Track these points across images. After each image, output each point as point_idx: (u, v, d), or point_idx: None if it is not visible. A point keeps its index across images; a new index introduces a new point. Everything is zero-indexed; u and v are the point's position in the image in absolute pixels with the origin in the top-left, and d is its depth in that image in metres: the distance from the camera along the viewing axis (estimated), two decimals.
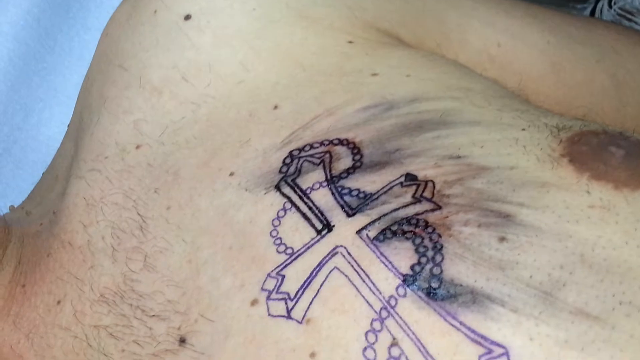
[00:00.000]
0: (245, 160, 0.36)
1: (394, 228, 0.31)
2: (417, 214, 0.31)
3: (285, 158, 0.36)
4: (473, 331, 0.27)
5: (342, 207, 0.32)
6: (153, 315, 0.34)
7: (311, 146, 0.35)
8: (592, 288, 0.28)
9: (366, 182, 0.33)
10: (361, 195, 0.33)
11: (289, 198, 0.34)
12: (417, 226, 0.30)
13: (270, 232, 0.33)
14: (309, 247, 0.32)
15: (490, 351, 0.27)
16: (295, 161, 0.35)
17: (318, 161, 0.35)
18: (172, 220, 0.36)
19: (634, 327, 0.27)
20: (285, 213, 0.33)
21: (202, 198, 0.36)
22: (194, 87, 0.40)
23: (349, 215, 0.32)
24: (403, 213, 0.31)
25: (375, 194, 0.32)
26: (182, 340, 0.32)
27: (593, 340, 0.27)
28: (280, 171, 0.35)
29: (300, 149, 0.36)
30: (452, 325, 0.28)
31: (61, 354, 0.35)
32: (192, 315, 0.33)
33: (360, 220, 0.31)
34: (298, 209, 0.33)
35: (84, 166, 0.40)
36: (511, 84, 0.43)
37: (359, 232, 0.31)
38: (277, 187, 0.34)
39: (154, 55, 0.41)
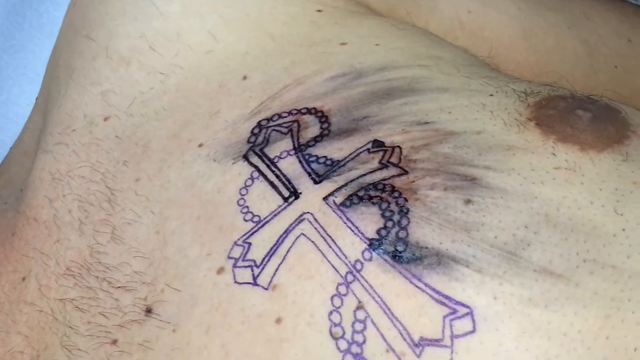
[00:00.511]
0: (215, 132, 0.37)
1: (361, 194, 0.31)
2: (384, 180, 0.31)
3: (253, 128, 0.36)
4: (438, 292, 0.28)
5: (309, 175, 0.33)
6: (119, 287, 0.34)
7: (279, 116, 0.36)
8: (556, 247, 0.28)
9: (334, 149, 0.33)
10: (328, 162, 0.33)
11: (256, 167, 0.34)
12: (384, 191, 0.31)
13: (238, 201, 0.33)
14: (275, 215, 0.32)
15: (454, 311, 0.28)
16: (264, 131, 0.36)
17: (286, 130, 0.35)
18: (141, 192, 0.36)
19: (597, 284, 0.28)
20: (252, 182, 0.34)
21: (171, 169, 0.36)
22: (162, 57, 0.40)
23: (315, 182, 0.32)
24: (370, 179, 0.32)
25: (342, 160, 0.33)
26: (148, 311, 0.33)
27: (557, 297, 0.27)
28: (248, 141, 0.35)
29: (269, 119, 0.36)
30: (417, 287, 0.28)
31: (26, 329, 0.36)
32: (159, 286, 0.33)
33: (327, 186, 0.32)
34: (265, 177, 0.33)
35: (50, 140, 0.40)
36: (482, 51, 0.44)
37: (325, 198, 0.31)
38: (245, 157, 0.35)
39: (122, 25, 0.41)
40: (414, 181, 0.31)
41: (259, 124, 0.36)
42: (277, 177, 0.33)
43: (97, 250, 0.35)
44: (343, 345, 0.28)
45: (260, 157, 0.35)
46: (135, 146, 0.38)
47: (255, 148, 0.35)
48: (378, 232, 0.30)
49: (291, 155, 0.34)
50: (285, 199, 0.32)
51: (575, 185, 0.30)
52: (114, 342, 0.33)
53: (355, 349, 0.28)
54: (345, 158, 0.33)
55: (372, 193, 0.31)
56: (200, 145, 0.36)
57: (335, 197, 0.31)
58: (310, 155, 0.34)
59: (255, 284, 0.31)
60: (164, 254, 0.34)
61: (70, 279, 0.35)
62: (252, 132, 0.36)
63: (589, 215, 0.29)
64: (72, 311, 0.34)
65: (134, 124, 0.39)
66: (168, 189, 0.36)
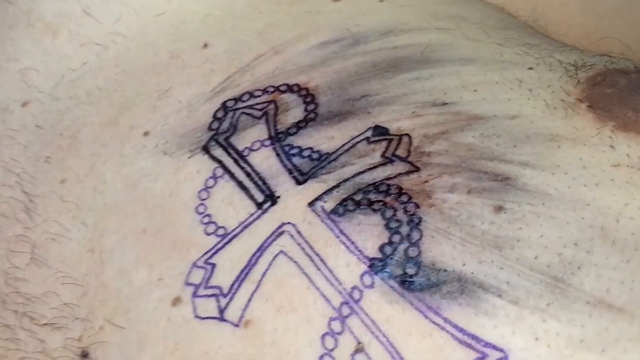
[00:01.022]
0: (165, 116, 0.34)
1: (358, 197, 0.28)
2: (388, 178, 0.28)
3: (216, 111, 0.33)
4: (461, 330, 0.25)
5: (290, 172, 0.30)
6: (45, 324, 0.31)
7: (251, 95, 0.33)
8: (615, 271, 0.25)
9: (322, 138, 0.30)
10: (315, 155, 0.30)
11: (220, 162, 0.31)
12: (388, 194, 0.28)
13: (196, 208, 0.30)
14: (246, 226, 0.29)
15: (484, 356, 0.24)
16: (230, 114, 0.32)
17: (260, 114, 0.32)
18: (68, 197, 0.33)
19: None
20: (215, 182, 0.31)
21: (107, 166, 0.33)
22: (100, 23, 0.37)
23: (298, 183, 0.29)
24: (369, 177, 0.28)
25: (333, 153, 0.30)
26: (84, 355, 0.30)
27: (617, 339, 0.24)
28: (209, 128, 0.32)
29: (237, 99, 0.33)
30: (434, 323, 0.25)
31: None
32: (96, 322, 0.30)
33: (314, 188, 0.29)
34: (232, 176, 0.30)
35: None
36: (523, 10, 0.40)
37: (311, 204, 0.28)
38: (205, 149, 0.32)
39: None
40: (427, 181, 0.28)
41: (223, 106, 0.33)
42: (248, 175, 0.30)
43: (13, 276, 0.33)
44: None
45: (225, 148, 0.31)
46: (60, 137, 0.35)
47: (218, 137, 0.32)
48: (381, 248, 0.26)
49: (266, 146, 0.31)
50: (259, 205, 0.29)
51: None
52: None
53: None
54: (337, 150, 0.30)
55: (372, 197, 0.28)
56: (145, 134, 0.33)
57: (325, 202, 0.28)
58: (292, 147, 0.30)
59: (222, 319, 0.28)
60: (100, 280, 0.31)
61: None
62: (214, 116, 0.33)
63: None
64: None
65: (59, 109, 0.36)
66: (103, 192, 0.33)
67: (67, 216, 0.33)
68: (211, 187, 0.31)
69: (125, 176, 0.33)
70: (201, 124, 0.33)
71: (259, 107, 0.32)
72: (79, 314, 0.31)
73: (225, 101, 0.33)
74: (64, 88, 0.37)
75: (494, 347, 0.24)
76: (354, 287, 0.26)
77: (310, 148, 0.30)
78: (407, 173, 0.28)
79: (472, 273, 0.25)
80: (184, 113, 0.33)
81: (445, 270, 0.25)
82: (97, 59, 0.37)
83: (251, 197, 0.30)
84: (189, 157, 0.32)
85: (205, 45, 0.36)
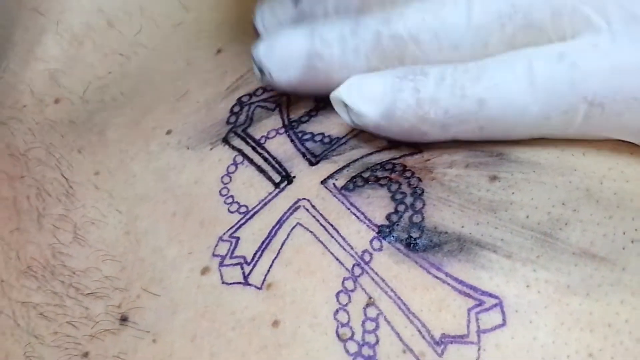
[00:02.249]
0: (185, 115, 0.35)
1: (366, 175, 0.30)
2: (394, 159, 0.30)
3: (233, 106, 0.35)
4: (461, 282, 0.27)
5: (304, 155, 0.32)
6: (89, 294, 0.32)
7: (264, 90, 0.34)
8: (599, 225, 0.27)
9: (332, 124, 0.32)
10: (326, 140, 0.32)
11: (239, 151, 0.33)
12: (393, 171, 0.30)
13: (220, 191, 0.32)
14: (266, 203, 0.31)
15: (481, 303, 0.26)
16: (246, 108, 0.34)
17: (273, 106, 0.34)
18: (103, 187, 0.35)
19: None
20: (236, 168, 0.32)
21: (135, 162, 0.35)
22: (122, 35, 0.39)
23: (311, 164, 0.31)
24: (376, 158, 0.31)
25: (342, 137, 0.32)
26: (124, 319, 0.31)
27: (600, 283, 0.26)
28: (227, 122, 0.34)
29: (251, 94, 0.35)
30: (436, 277, 0.27)
31: None
32: (134, 291, 0.32)
33: (326, 168, 0.31)
34: (251, 161, 0.32)
35: (4, 112, 0.39)
36: None
37: (324, 181, 0.30)
38: (225, 140, 0.33)
39: None
40: (429, 159, 0.30)
41: (239, 101, 0.35)
42: (266, 160, 0.32)
43: (59, 251, 0.34)
44: (352, 347, 0.27)
45: (243, 139, 0.33)
46: (90, 133, 0.37)
47: (236, 129, 0.34)
48: (388, 217, 0.29)
49: (281, 134, 0.33)
50: (277, 185, 0.31)
51: (622, 155, 0.29)
52: (85, 354, 0.31)
53: (366, 351, 0.27)
54: (347, 135, 0.32)
55: (379, 174, 0.30)
56: (168, 132, 0.35)
57: (336, 180, 0.30)
58: (304, 133, 0.32)
59: (246, 283, 0.29)
60: (137, 256, 0.32)
61: (33, 281, 0.34)
62: (231, 111, 0.34)
63: (639, 189, 0.28)
64: (36, 318, 0.33)
65: (88, 109, 0.38)
66: (134, 184, 0.34)
67: (103, 203, 0.34)
68: (232, 173, 0.32)
69: (154, 170, 0.34)
70: (219, 119, 0.34)
71: (272, 99, 0.34)
72: (119, 285, 0.32)
73: (241, 97, 0.35)
74: (91, 93, 0.38)
75: (490, 295, 0.26)
76: (365, 251, 0.28)
77: (322, 133, 0.32)
78: (411, 154, 0.30)
79: (470, 233, 0.27)
80: (202, 111, 0.35)
81: (446, 232, 0.27)
82: (120, 69, 0.38)
83: (269, 178, 0.31)
84: (211, 149, 0.33)
85: (219, 51, 0.37)
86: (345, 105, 0.30)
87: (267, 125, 0.33)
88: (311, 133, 0.32)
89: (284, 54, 0.32)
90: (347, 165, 0.30)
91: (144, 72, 0.38)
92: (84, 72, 0.39)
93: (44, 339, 0.32)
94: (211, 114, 0.35)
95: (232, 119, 0.34)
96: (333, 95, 0.30)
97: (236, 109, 0.34)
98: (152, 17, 0.39)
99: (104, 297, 0.32)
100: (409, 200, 0.29)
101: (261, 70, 0.32)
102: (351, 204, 0.29)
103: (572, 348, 0.25)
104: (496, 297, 0.26)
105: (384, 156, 0.30)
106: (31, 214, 0.35)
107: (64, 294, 0.33)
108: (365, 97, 0.29)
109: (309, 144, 0.32)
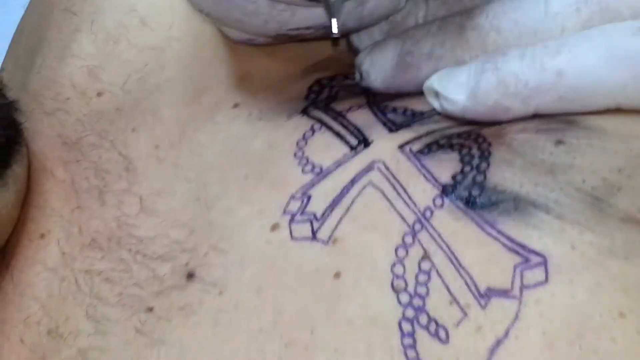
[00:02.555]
0: (253, 92, 0.37)
1: (442, 142, 0.31)
2: (471, 130, 0.31)
3: (311, 86, 0.36)
4: (511, 240, 0.27)
5: (384, 124, 0.33)
6: (157, 258, 0.34)
7: (345, 76, 0.36)
8: None
9: (416, 101, 0.33)
10: (409, 113, 0.33)
11: (319, 120, 0.34)
12: (468, 138, 0.31)
13: (295, 154, 0.33)
14: (340, 164, 0.32)
15: (527, 260, 0.27)
16: (327, 89, 0.36)
17: (360, 90, 0.35)
18: (166, 159, 0.36)
19: None
20: (313, 133, 0.33)
21: (200, 133, 0.36)
22: (155, 31, 0.40)
23: (391, 131, 0.32)
24: (456, 130, 0.31)
25: (426, 112, 0.33)
26: (190, 276, 0.33)
27: (639, 247, 0.27)
28: (306, 98, 0.36)
29: (331, 78, 0.36)
30: (489, 234, 0.28)
31: (45, 296, 0.36)
32: (202, 250, 0.33)
33: (404, 135, 0.32)
34: (330, 128, 0.33)
35: (47, 103, 0.40)
36: None
37: (401, 146, 0.31)
38: (304, 112, 0.35)
39: None
40: (504, 128, 0.31)
41: (317, 82, 0.36)
42: (345, 127, 0.33)
43: (125, 222, 0.36)
44: (405, 298, 0.28)
45: (324, 110, 0.34)
46: (141, 115, 0.38)
47: (318, 103, 0.35)
48: (454, 177, 0.30)
49: (363, 107, 0.34)
50: (353, 148, 0.32)
51: None
52: (150, 309, 0.33)
53: (417, 301, 0.28)
54: (432, 110, 0.33)
55: (454, 141, 0.31)
56: (235, 106, 0.36)
57: (413, 145, 0.31)
58: (387, 106, 0.33)
59: (314, 238, 0.30)
60: (207, 219, 0.34)
61: (97, 252, 0.35)
62: (309, 89, 0.36)
63: None
64: (100, 283, 0.35)
65: (133, 97, 0.39)
66: (201, 153, 0.36)
67: (168, 174, 0.36)
68: (309, 137, 0.33)
69: (223, 140, 0.35)
70: (296, 95, 0.35)
71: (358, 87, 0.35)
72: (187, 247, 0.33)
73: (319, 79, 0.36)
74: (132, 84, 0.39)
75: (537, 254, 0.27)
76: (427, 208, 0.29)
77: (405, 107, 0.33)
78: (488, 126, 0.31)
79: (527, 193, 0.28)
80: (274, 89, 0.36)
81: (504, 192, 0.28)
82: (157, 61, 0.39)
83: (346, 142, 0.32)
84: (287, 120, 0.34)
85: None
86: (436, 94, 0.31)
87: (351, 102, 0.34)
88: (394, 107, 0.33)
89: (379, 55, 0.34)
90: (426, 134, 0.31)
91: (184, 60, 0.39)
92: (121, 67, 0.40)
93: (107, 300, 0.34)
94: (286, 91, 0.36)
95: (312, 97, 0.35)
96: (425, 85, 0.32)
97: (315, 88, 0.36)
98: (182, 13, 0.40)
99: (171, 259, 0.33)
100: (475, 161, 0.29)
101: (360, 74, 0.34)
102: (422, 165, 0.30)
103: (605, 307, 0.26)
104: (542, 255, 0.27)
105: (464, 128, 0.31)
106: (91, 192, 0.37)
107: (131, 260, 0.34)
108: (453, 84, 0.31)
109: (390, 115, 0.33)
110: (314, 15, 0.32)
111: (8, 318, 0.36)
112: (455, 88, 0.30)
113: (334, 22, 0.30)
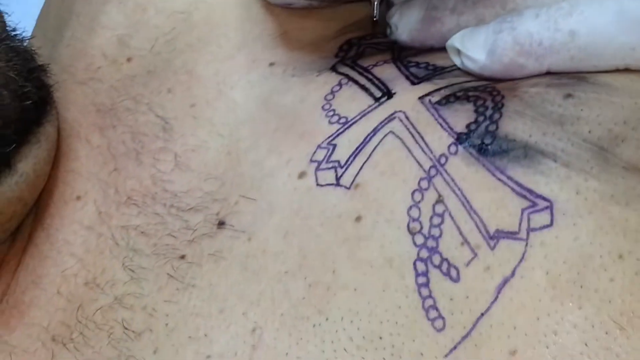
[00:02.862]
0: (288, 50, 0.38)
1: (459, 94, 0.32)
2: (487, 84, 0.33)
3: (342, 45, 0.38)
4: (520, 185, 0.29)
5: (407, 77, 0.34)
6: (189, 209, 0.36)
7: (374, 36, 0.38)
8: None
9: (438, 57, 0.35)
10: (430, 67, 0.35)
11: (346, 75, 0.36)
12: (484, 91, 0.32)
13: (323, 106, 0.35)
14: (364, 115, 0.33)
15: (534, 204, 0.28)
16: (356, 47, 0.37)
17: (385, 47, 0.37)
18: (202, 116, 0.38)
19: None
20: (340, 87, 0.35)
21: (235, 91, 0.38)
22: None
23: (413, 84, 0.34)
24: (474, 84, 0.33)
25: (447, 67, 0.34)
26: (221, 223, 0.34)
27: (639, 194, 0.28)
28: (336, 56, 0.37)
29: (361, 37, 0.38)
30: (499, 179, 0.29)
31: (82, 252, 0.37)
32: (232, 199, 0.35)
33: (425, 87, 0.33)
34: (356, 82, 0.35)
35: (78, 74, 0.42)
36: None
37: (421, 98, 0.33)
38: (333, 68, 0.36)
39: None
40: (518, 83, 0.32)
41: (348, 41, 0.38)
42: (370, 80, 0.35)
43: (160, 178, 0.37)
44: (419, 239, 0.30)
45: (351, 67, 0.36)
46: (175, 75, 0.39)
47: (346, 60, 0.36)
48: (468, 126, 0.31)
49: (388, 62, 0.35)
50: (377, 99, 0.34)
51: None
52: (182, 257, 0.35)
53: (430, 242, 0.29)
54: (452, 65, 0.34)
55: (471, 93, 0.32)
56: (271, 65, 0.38)
57: (432, 96, 0.33)
58: (410, 62, 0.35)
59: (337, 184, 0.32)
60: (237, 172, 0.35)
61: (134, 208, 0.37)
62: (340, 48, 0.38)
63: None
64: (136, 237, 0.36)
65: (164, 58, 0.40)
66: (235, 110, 0.37)
67: (203, 131, 0.37)
68: (337, 91, 0.35)
69: (256, 96, 0.37)
70: (327, 54, 0.37)
71: (385, 44, 0.37)
72: (218, 197, 0.35)
73: (350, 38, 0.38)
74: (161, 46, 0.40)
75: (543, 198, 0.28)
76: (442, 155, 0.30)
77: (427, 62, 0.35)
78: (505, 82, 0.32)
79: (535, 142, 0.29)
80: (308, 48, 0.38)
81: (515, 140, 0.30)
82: (184, 23, 0.40)
83: (371, 94, 0.34)
84: (317, 76, 0.36)
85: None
86: (458, 51, 0.33)
87: (377, 58, 0.36)
88: (417, 62, 0.35)
89: (407, 9, 0.36)
90: (445, 87, 0.33)
91: (212, 21, 0.40)
92: (149, 32, 0.41)
93: (142, 251, 0.36)
94: (317, 51, 0.38)
95: (341, 54, 0.37)
96: (448, 43, 0.34)
97: (345, 47, 0.37)
98: None
99: (203, 209, 0.35)
100: (489, 112, 0.31)
101: (389, 27, 0.36)
102: (440, 115, 0.32)
103: (606, 249, 0.27)
104: (548, 200, 0.28)
105: (481, 82, 0.33)
106: (129, 154, 0.38)
107: (165, 213, 0.36)
108: (474, 43, 0.32)
109: (413, 69, 0.35)
110: None
111: (45, 273, 0.37)
112: (476, 47, 0.32)
113: (376, 5, 0.34)
